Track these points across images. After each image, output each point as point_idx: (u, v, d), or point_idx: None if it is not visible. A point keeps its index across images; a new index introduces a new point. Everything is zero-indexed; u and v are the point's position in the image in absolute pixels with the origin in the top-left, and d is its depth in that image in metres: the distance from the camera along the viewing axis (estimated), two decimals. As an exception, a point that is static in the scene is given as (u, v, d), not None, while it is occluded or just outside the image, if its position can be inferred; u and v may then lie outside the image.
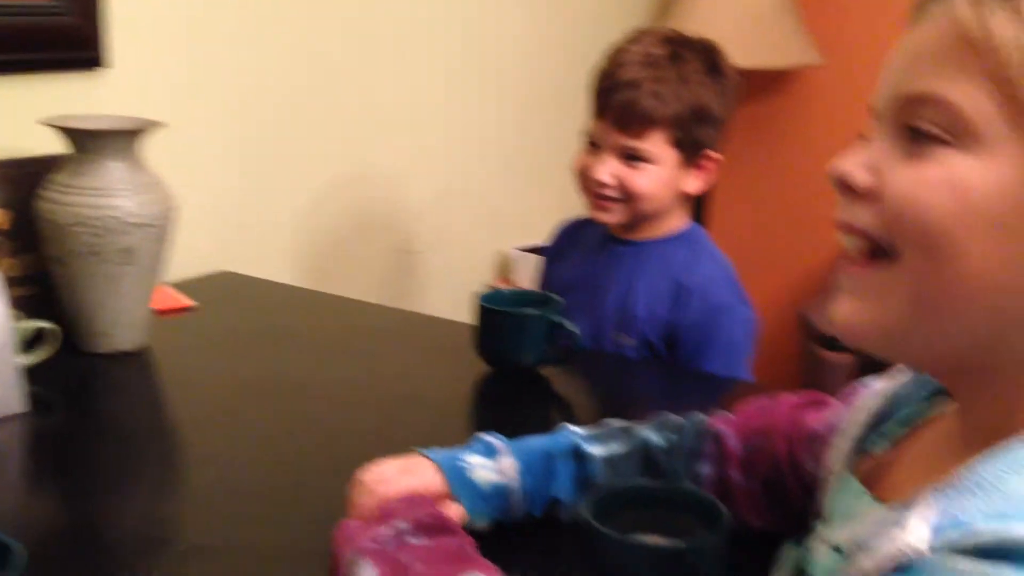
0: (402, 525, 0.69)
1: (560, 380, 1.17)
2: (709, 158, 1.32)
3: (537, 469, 0.80)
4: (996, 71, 0.49)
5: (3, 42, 1.25)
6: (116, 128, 1.15)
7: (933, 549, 0.45)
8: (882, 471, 0.62)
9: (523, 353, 1.15)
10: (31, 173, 1.20)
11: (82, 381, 1.13)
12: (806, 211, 2.56)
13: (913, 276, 0.52)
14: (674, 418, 0.84)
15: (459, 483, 0.78)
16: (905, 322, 0.53)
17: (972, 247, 0.50)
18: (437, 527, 0.70)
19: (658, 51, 1.27)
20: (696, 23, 2.41)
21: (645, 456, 0.81)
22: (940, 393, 0.62)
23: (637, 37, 1.31)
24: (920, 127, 0.52)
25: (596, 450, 0.81)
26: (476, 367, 1.18)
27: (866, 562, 0.49)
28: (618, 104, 1.25)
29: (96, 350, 1.18)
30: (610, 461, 0.81)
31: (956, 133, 0.51)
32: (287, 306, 1.46)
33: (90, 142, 1.14)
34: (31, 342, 1.09)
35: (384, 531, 0.69)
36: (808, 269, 2.58)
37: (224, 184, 1.57)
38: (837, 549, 0.59)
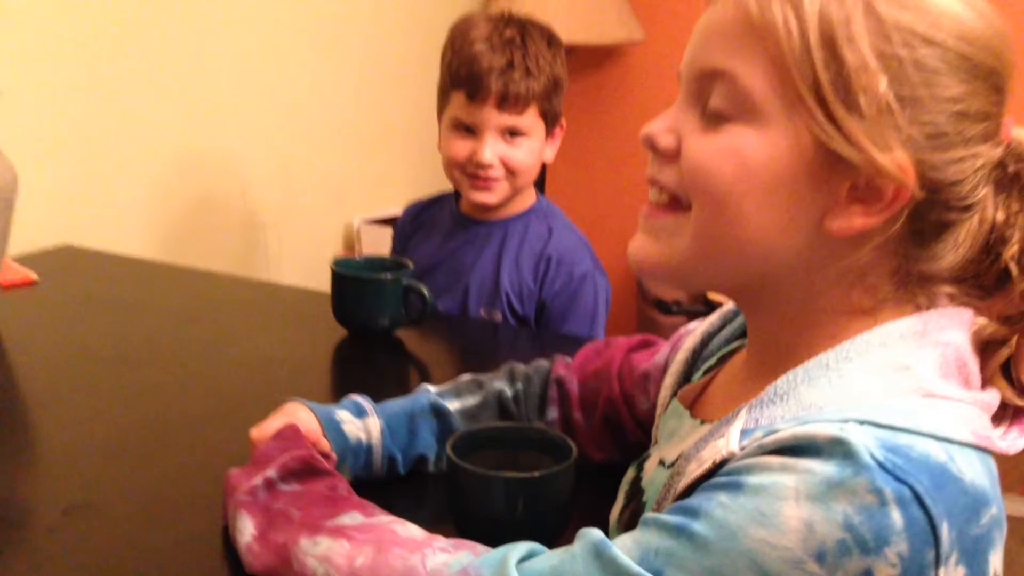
0: (271, 474, 0.73)
1: (415, 341, 1.24)
2: (561, 126, 1.42)
3: (400, 430, 0.86)
4: (774, 55, 0.58)
5: None
6: (-48, 98, 1.13)
7: (743, 449, 0.55)
8: (700, 395, 0.73)
9: (378, 316, 1.21)
10: None
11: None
12: (636, 179, 2.71)
13: (698, 224, 0.62)
14: (521, 367, 0.93)
15: (332, 430, 0.83)
16: (688, 260, 0.63)
17: (746, 207, 0.60)
18: (305, 470, 0.74)
19: (509, 33, 1.34)
20: (528, 3, 2.50)
21: (499, 406, 0.89)
22: (743, 332, 0.73)
23: (478, 23, 1.36)
24: (714, 104, 0.61)
25: (453, 405, 0.88)
26: (334, 332, 1.22)
27: (692, 468, 0.59)
28: (498, 87, 1.31)
29: (-62, 326, 1.16)
30: (467, 413, 0.88)
31: (741, 108, 0.59)
32: (134, 278, 1.46)
33: (-75, 113, 1.11)
34: None
35: (256, 482, 0.73)
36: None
37: (66, 157, 1.54)
38: (663, 463, 0.69)
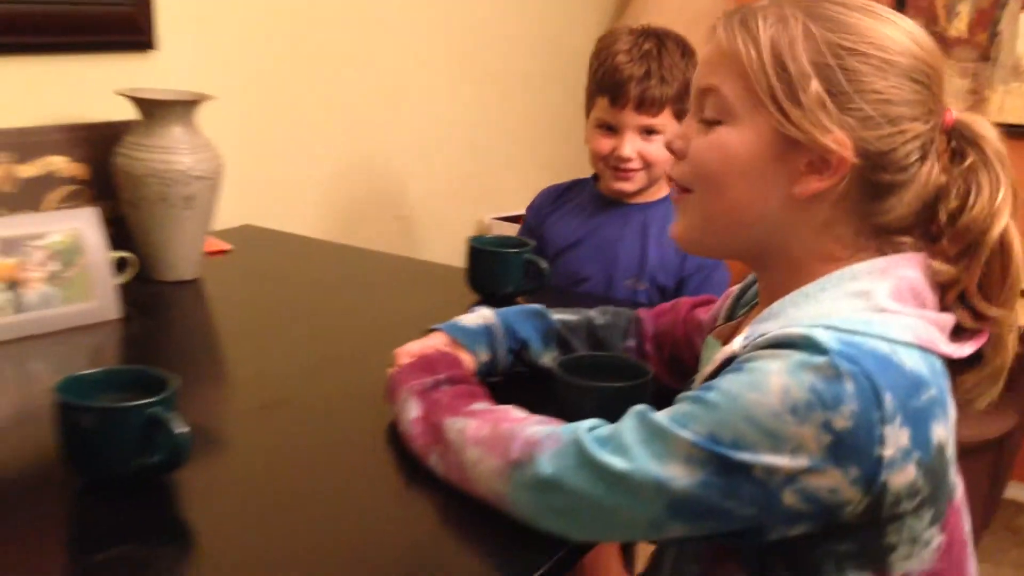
0: (440, 378, 0.98)
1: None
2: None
3: (511, 317, 1.13)
4: (741, 72, 0.81)
5: (73, 26, 1.52)
6: (178, 99, 1.43)
7: (743, 348, 0.77)
8: (731, 333, 0.95)
9: (505, 284, 1.45)
10: (103, 136, 1.48)
11: (152, 300, 1.41)
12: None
13: (700, 203, 0.87)
14: (612, 307, 1.18)
15: (454, 329, 1.10)
16: (701, 232, 0.89)
17: (730, 184, 0.84)
18: (461, 379, 1.00)
19: (647, 46, 1.56)
20: (648, 19, 2.72)
21: (589, 327, 1.14)
22: None
23: (621, 36, 1.59)
24: (707, 113, 0.85)
25: (555, 316, 1.14)
26: (466, 297, 1.48)
27: (708, 368, 0.81)
28: (636, 93, 1.54)
29: (162, 278, 1.46)
30: (565, 323, 1.14)
31: (724, 113, 0.83)
32: (304, 251, 1.75)
33: (157, 110, 1.42)
34: (115, 268, 1.37)
35: (427, 381, 0.98)
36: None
37: (252, 152, 1.85)
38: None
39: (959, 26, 2.73)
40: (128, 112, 1.49)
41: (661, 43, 1.56)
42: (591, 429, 0.82)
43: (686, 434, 0.76)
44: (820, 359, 0.72)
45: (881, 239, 0.84)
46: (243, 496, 0.91)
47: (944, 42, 2.73)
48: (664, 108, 1.56)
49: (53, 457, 0.90)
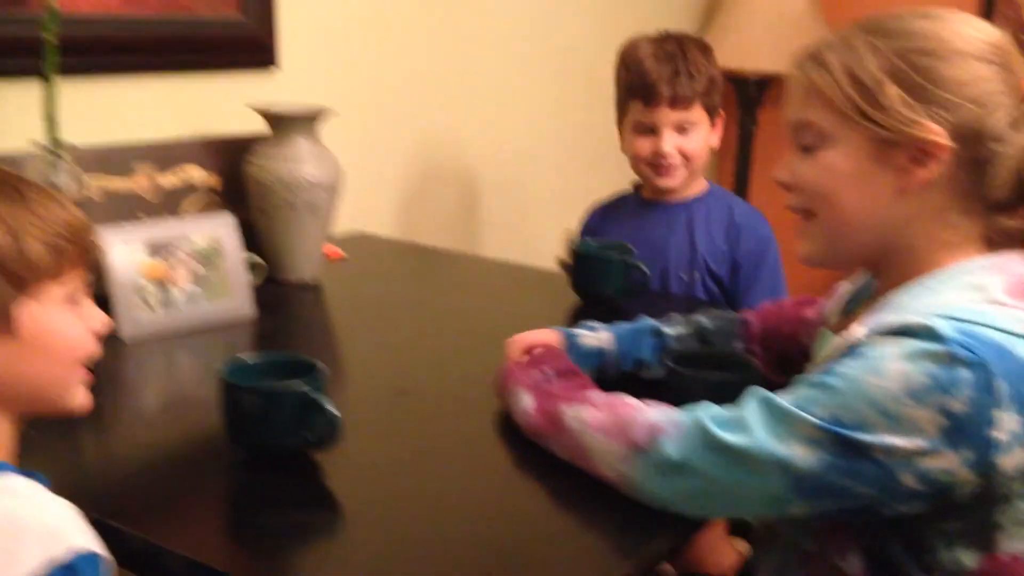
0: (548, 371, 1.07)
1: (632, 308, 1.55)
2: (721, 117, 1.71)
3: (627, 340, 1.20)
4: (824, 100, 0.90)
5: (206, 47, 1.64)
6: (303, 113, 1.54)
7: (865, 335, 0.83)
8: (846, 326, 1.01)
9: (606, 287, 1.52)
10: (233, 147, 1.60)
11: (278, 300, 1.52)
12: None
13: (825, 223, 0.95)
14: (719, 311, 1.25)
15: (569, 344, 1.17)
16: (829, 247, 0.97)
17: (845, 198, 0.92)
18: (570, 372, 1.07)
19: (670, 47, 1.65)
20: (735, 32, 2.78)
21: (700, 334, 1.20)
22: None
23: (642, 43, 1.67)
24: (805, 142, 0.93)
25: (668, 330, 1.20)
26: (568, 299, 1.55)
27: (830, 354, 0.87)
28: (668, 91, 1.62)
29: (285, 279, 1.57)
30: (677, 336, 1.20)
31: (820, 139, 0.92)
32: (414, 257, 1.85)
33: (285, 123, 1.53)
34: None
35: (536, 373, 1.06)
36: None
37: (361, 161, 1.95)
38: None
39: (1049, 35, 2.73)
40: (253, 125, 1.61)
41: (682, 44, 1.66)
42: (711, 413, 0.88)
43: (808, 416, 0.82)
44: (938, 347, 0.78)
45: (990, 220, 0.90)
46: (381, 473, 1.00)
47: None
48: (695, 102, 1.64)
49: (215, 434, 1.00)
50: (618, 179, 2.74)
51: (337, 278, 1.65)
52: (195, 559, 0.82)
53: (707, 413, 0.89)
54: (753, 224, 1.68)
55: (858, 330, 0.87)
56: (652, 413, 0.93)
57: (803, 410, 0.82)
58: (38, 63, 1.29)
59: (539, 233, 2.50)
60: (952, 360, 0.78)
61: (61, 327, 0.79)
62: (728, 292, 1.68)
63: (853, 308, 1.05)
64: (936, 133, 0.87)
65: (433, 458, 1.03)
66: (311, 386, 0.96)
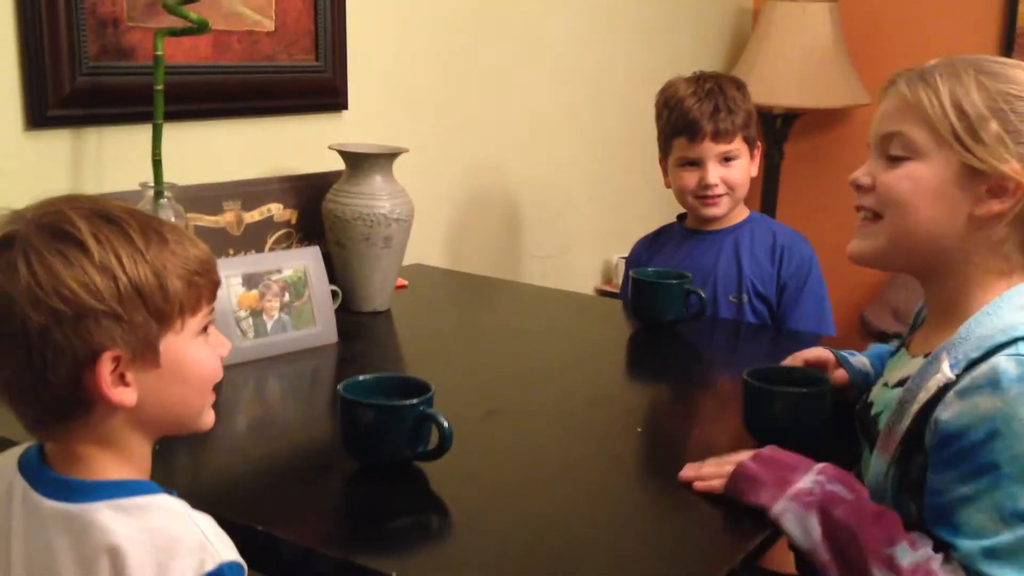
0: (819, 477, 0.98)
1: (686, 332, 1.64)
2: (759, 148, 1.82)
3: (877, 364, 1.26)
4: (925, 118, 0.99)
5: (285, 92, 1.74)
6: (379, 152, 1.64)
7: (956, 376, 0.93)
8: (911, 344, 1.11)
9: (666, 313, 1.61)
10: (309, 185, 1.70)
11: (356, 328, 1.61)
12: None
13: (891, 227, 1.04)
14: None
15: (845, 361, 1.27)
16: (887, 250, 1.05)
17: (920, 210, 1.01)
18: (835, 472, 1.00)
19: (708, 86, 1.76)
20: (762, 69, 2.89)
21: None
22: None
23: (680, 85, 1.78)
24: (892, 152, 1.03)
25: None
26: (626, 323, 1.64)
27: (921, 396, 0.96)
28: (711, 127, 1.73)
29: (359, 309, 1.66)
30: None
31: (911, 151, 1.01)
32: (467, 286, 1.94)
33: (362, 162, 1.63)
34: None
35: (804, 484, 0.98)
36: (864, 278, 3.01)
37: (418, 197, 2.06)
38: (887, 384, 1.07)
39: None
40: (325, 163, 1.71)
41: (719, 82, 1.77)
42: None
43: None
44: None
45: None
46: (484, 484, 1.08)
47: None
48: (736, 135, 1.75)
49: (324, 447, 1.09)
50: (648, 212, 2.84)
51: (403, 306, 1.74)
52: (328, 554, 0.91)
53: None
54: (796, 245, 1.78)
55: (944, 369, 0.95)
56: None
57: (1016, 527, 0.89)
58: (145, 109, 1.40)
59: (575, 263, 2.60)
60: None
61: (198, 357, 0.86)
62: (775, 311, 1.76)
63: (918, 324, 1.15)
64: (1020, 173, 0.98)
65: (531, 470, 1.12)
66: (427, 402, 1.05)
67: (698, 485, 1.04)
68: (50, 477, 0.84)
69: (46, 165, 1.42)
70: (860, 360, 1.28)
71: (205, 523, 0.82)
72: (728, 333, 1.72)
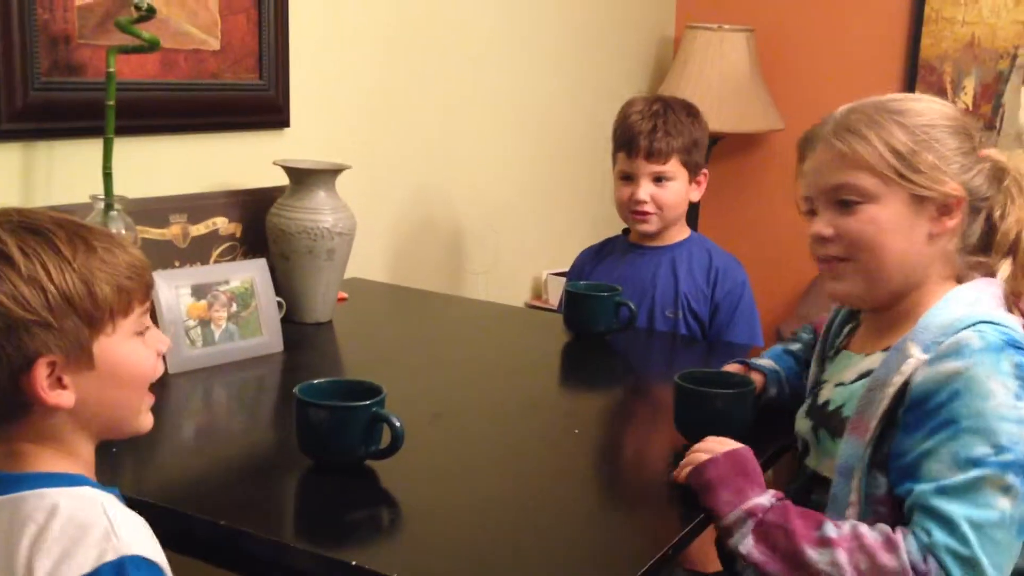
0: (772, 498, 1.08)
1: (621, 342, 1.73)
2: (703, 174, 1.91)
3: (783, 364, 1.40)
4: (865, 165, 1.13)
5: (229, 109, 1.79)
6: (323, 168, 1.70)
7: (928, 356, 1.05)
8: (851, 347, 1.23)
9: (597, 324, 1.70)
10: (254, 199, 1.75)
11: (299, 338, 1.66)
12: (773, 248, 3.18)
13: (863, 266, 1.15)
14: (804, 327, 1.49)
15: (756, 366, 1.38)
16: (865, 289, 1.17)
17: (888, 244, 1.13)
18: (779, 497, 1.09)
19: (656, 107, 1.87)
20: (683, 95, 3.01)
21: (806, 347, 1.43)
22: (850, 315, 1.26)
23: (636, 102, 1.89)
24: (847, 199, 1.14)
25: (794, 347, 1.44)
26: (561, 335, 1.73)
27: (896, 380, 1.07)
28: (646, 144, 1.83)
29: (302, 320, 1.71)
30: (802, 351, 1.43)
31: (862, 196, 1.14)
32: (406, 299, 2.01)
33: (306, 177, 1.69)
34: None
35: (764, 501, 1.07)
36: (777, 294, 3.17)
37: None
38: (842, 384, 1.18)
39: (965, 99, 3.03)
40: (267, 179, 1.76)
41: (668, 105, 1.88)
42: (946, 547, 1.00)
43: (977, 473, 1.00)
44: (1007, 352, 1.04)
45: (965, 259, 1.16)
46: (431, 480, 1.15)
47: (950, 114, 3.03)
48: (671, 157, 1.85)
49: (276, 448, 1.14)
50: (574, 230, 2.94)
51: (344, 318, 1.80)
52: (300, 548, 0.97)
53: (944, 549, 1.00)
54: (731, 268, 1.88)
55: (915, 353, 1.07)
56: (906, 555, 1.01)
57: (970, 471, 1.01)
58: (94, 124, 1.44)
59: (507, 279, 2.68)
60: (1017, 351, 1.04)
61: (132, 357, 0.90)
62: (707, 329, 1.86)
63: (839, 336, 1.27)
64: (957, 190, 1.12)
65: (476, 466, 1.19)
66: (380, 403, 1.11)
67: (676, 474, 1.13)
68: None
69: (-2, 177, 1.45)
70: (766, 362, 1.39)
71: (125, 518, 0.85)
72: (663, 344, 1.81)
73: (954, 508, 1.01)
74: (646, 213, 1.86)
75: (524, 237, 2.73)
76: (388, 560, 0.95)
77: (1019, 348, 1.05)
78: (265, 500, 1.09)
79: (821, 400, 1.20)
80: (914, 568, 1.00)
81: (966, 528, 1.00)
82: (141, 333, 0.92)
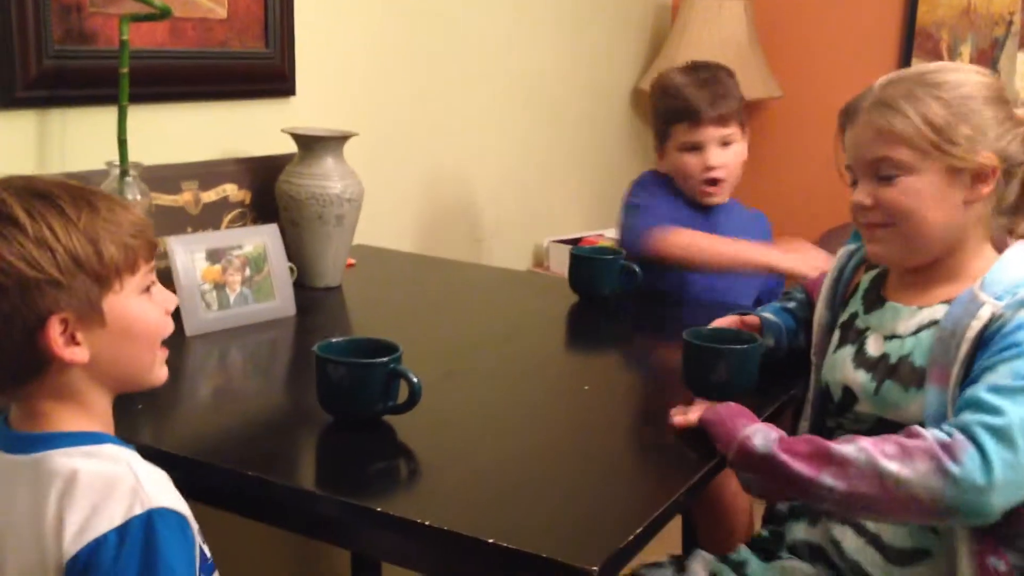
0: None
1: (628, 304, 1.76)
2: (747, 132, 1.95)
3: (784, 321, 1.43)
4: (903, 140, 1.18)
5: (237, 77, 1.81)
6: (330, 135, 1.72)
7: (1006, 305, 1.12)
8: (900, 300, 1.27)
9: (603, 286, 1.73)
10: (263, 166, 1.77)
11: (310, 302, 1.68)
12: (772, 214, 3.20)
13: (902, 232, 1.22)
14: (792, 288, 1.53)
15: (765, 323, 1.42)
16: (906, 251, 1.23)
17: (928, 214, 1.19)
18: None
19: (704, 75, 1.89)
20: (679, 60, 3.03)
21: (798, 308, 1.46)
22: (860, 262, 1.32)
23: (675, 75, 1.90)
24: (883, 173, 1.20)
25: (790, 305, 1.47)
26: (568, 298, 1.76)
27: (975, 325, 1.13)
28: (710, 111, 1.85)
29: (312, 284, 1.74)
30: (797, 308, 1.46)
31: (901, 169, 1.19)
32: (412, 264, 2.04)
33: (315, 144, 1.71)
34: (283, 275, 1.66)
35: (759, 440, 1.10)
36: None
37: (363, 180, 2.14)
38: (897, 336, 1.23)
39: (960, 65, 3.06)
40: (272, 147, 1.78)
41: (712, 71, 1.90)
42: (978, 422, 1.05)
43: None
44: None
45: (999, 221, 1.22)
46: (446, 433, 1.18)
47: (947, 80, 3.06)
48: (733, 119, 1.89)
49: (295, 405, 1.17)
50: (575, 198, 2.97)
51: (353, 283, 1.82)
52: (309, 490, 1.00)
53: (980, 424, 1.05)
54: (762, 216, 2.00)
55: (990, 301, 1.13)
56: (932, 437, 1.06)
57: None
58: (106, 92, 1.46)
59: (509, 246, 2.71)
60: None
61: (141, 313, 0.94)
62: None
63: (879, 284, 1.32)
64: (992, 159, 1.17)
65: (489, 420, 1.23)
66: (397, 359, 1.14)
67: (678, 420, 1.17)
68: (9, 435, 0.92)
69: (14, 144, 1.46)
70: (767, 314, 1.43)
71: (146, 473, 0.89)
72: (670, 305, 1.84)
73: (1001, 401, 1.05)
74: (719, 181, 1.88)
75: (526, 205, 2.75)
76: (411, 507, 0.99)
77: None
78: (287, 452, 1.12)
79: (874, 352, 1.25)
80: (939, 442, 1.05)
81: (1006, 408, 1.04)
82: (147, 290, 0.96)
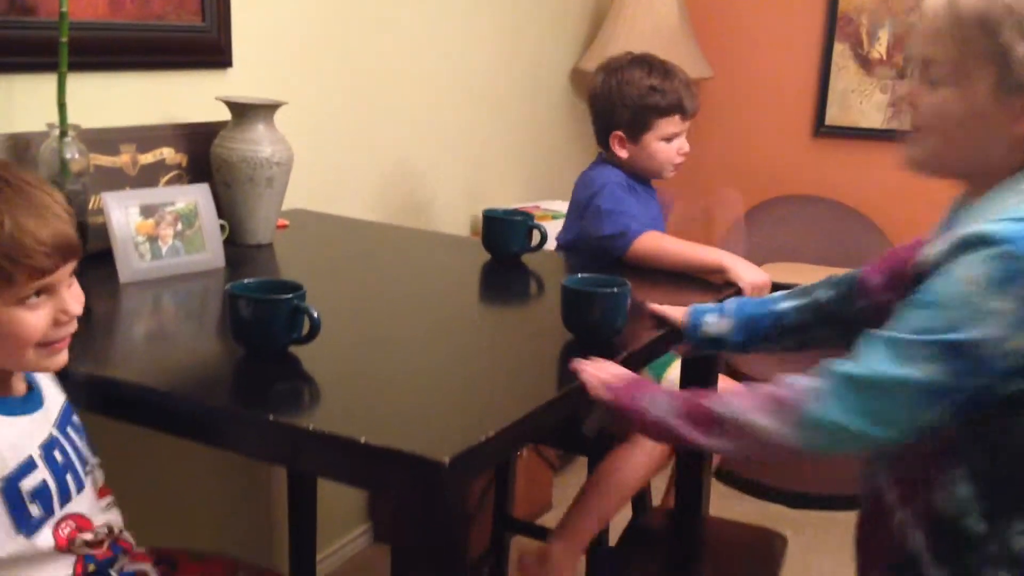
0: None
1: (534, 263, 1.92)
2: None
3: (744, 328, 1.48)
4: (961, 46, 1.12)
5: (176, 49, 1.94)
6: (261, 103, 1.86)
7: (935, 254, 1.08)
8: None
9: (511, 245, 1.89)
10: (199, 132, 1.91)
11: (241, 257, 1.83)
12: (703, 191, 3.36)
13: (931, 140, 1.18)
14: (837, 276, 1.46)
15: (695, 330, 1.51)
16: (933, 158, 1.19)
17: (960, 129, 1.14)
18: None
19: (683, 76, 2.08)
20: (616, 45, 3.18)
21: (817, 310, 1.44)
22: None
23: (636, 70, 2.06)
24: (933, 77, 1.16)
25: (786, 304, 1.47)
26: (480, 256, 1.91)
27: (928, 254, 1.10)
28: (694, 105, 2.06)
29: (246, 242, 1.88)
30: (797, 309, 1.46)
31: (949, 76, 1.14)
32: (346, 228, 2.18)
33: (247, 112, 1.85)
34: (215, 232, 1.80)
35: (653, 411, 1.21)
36: (702, 238, 3.36)
37: (299, 147, 2.28)
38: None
39: (880, 49, 3.23)
40: (211, 116, 1.91)
41: (672, 66, 2.10)
42: (842, 368, 1.08)
43: (910, 336, 1.04)
44: (995, 249, 1.02)
45: None
46: (344, 363, 1.33)
47: (867, 63, 3.23)
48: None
49: (211, 344, 1.32)
50: (508, 171, 3.12)
51: (284, 242, 1.97)
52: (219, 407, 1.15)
53: (838, 368, 1.08)
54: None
55: (936, 246, 1.10)
56: (792, 383, 1.12)
57: (905, 333, 1.05)
58: (46, 60, 1.59)
59: (448, 215, 2.86)
60: (1011, 256, 1.02)
61: (8, 321, 1.05)
62: None
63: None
64: None
65: (383, 348, 1.39)
66: (300, 296, 1.29)
67: (584, 376, 1.26)
68: None
69: (-40, 107, 1.60)
70: (718, 325, 1.49)
71: None
72: (576, 262, 2.00)
73: (872, 344, 1.07)
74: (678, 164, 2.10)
75: (465, 177, 2.90)
76: (302, 417, 1.14)
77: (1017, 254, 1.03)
78: (203, 376, 1.27)
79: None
80: (796, 388, 1.10)
81: (871, 357, 1.06)
82: (23, 301, 1.06)
